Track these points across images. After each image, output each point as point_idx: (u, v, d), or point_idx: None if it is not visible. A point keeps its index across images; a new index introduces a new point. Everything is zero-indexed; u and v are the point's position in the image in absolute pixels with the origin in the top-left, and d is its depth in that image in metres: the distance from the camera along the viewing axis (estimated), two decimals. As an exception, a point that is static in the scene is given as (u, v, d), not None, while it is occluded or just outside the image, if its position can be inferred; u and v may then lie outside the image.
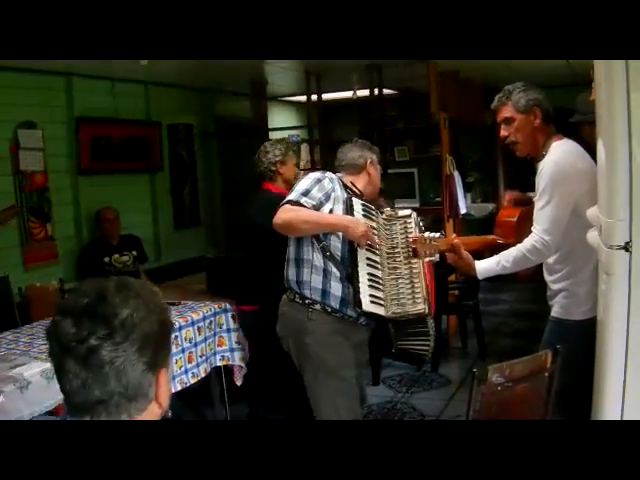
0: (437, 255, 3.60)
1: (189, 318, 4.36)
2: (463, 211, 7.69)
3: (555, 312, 3.38)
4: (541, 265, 3.45)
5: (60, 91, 6.49)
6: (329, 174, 3.74)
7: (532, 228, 3.26)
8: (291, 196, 3.57)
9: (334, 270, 3.58)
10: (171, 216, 8.14)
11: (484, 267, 3.40)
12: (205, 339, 4.49)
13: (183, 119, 8.29)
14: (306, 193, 3.55)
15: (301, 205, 3.52)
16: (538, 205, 3.25)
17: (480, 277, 3.43)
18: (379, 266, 3.63)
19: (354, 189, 3.81)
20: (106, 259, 6.18)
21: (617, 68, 2.25)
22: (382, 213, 3.81)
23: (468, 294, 6.78)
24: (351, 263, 3.55)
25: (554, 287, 3.38)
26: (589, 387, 2.80)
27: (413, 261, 3.62)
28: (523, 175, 8.84)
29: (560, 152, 3.27)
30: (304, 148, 9.76)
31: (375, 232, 3.66)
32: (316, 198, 3.55)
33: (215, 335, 4.61)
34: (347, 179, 3.84)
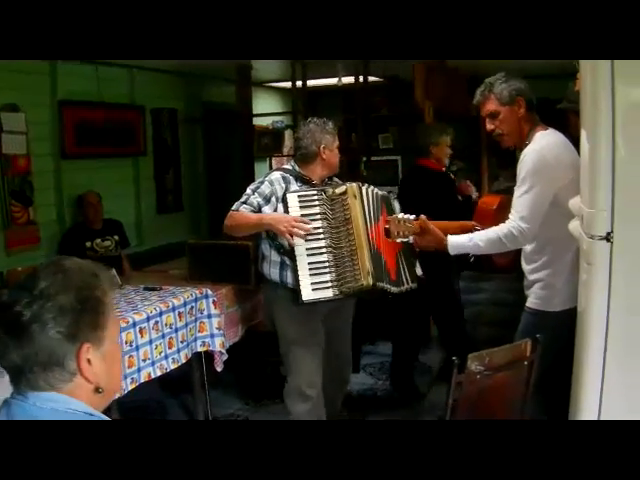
0: (410, 238, 3.59)
1: (170, 303, 4.34)
2: (446, 200, 7.69)
3: (531, 302, 3.37)
4: (520, 255, 3.45)
5: (44, 74, 6.42)
6: (270, 176, 4.04)
7: (510, 215, 3.24)
8: (235, 205, 3.99)
9: (289, 262, 3.93)
10: (154, 201, 8.11)
11: (456, 241, 3.37)
12: (186, 325, 4.47)
13: (167, 104, 8.24)
14: (245, 201, 3.96)
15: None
16: (517, 193, 3.23)
17: (451, 251, 3.39)
18: (324, 250, 3.85)
19: (305, 178, 4.05)
20: (88, 244, 6.15)
21: (602, 61, 2.26)
22: (325, 193, 3.91)
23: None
24: (291, 257, 3.85)
25: (531, 277, 3.37)
26: (565, 378, 2.82)
27: (351, 238, 3.81)
28: (507, 164, 8.87)
29: (544, 142, 3.25)
30: (288, 134, 9.75)
31: (319, 217, 3.86)
32: (254, 204, 3.94)
33: (196, 321, 4.59)
34: (300, 168, 4.09)
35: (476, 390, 2.74)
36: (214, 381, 5.10)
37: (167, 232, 8.05)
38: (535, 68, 6.36)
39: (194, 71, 8.23)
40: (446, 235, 3.40)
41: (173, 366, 4.34)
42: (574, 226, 2.80)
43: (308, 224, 3.79)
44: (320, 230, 3.84)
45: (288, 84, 8.58)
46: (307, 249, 3.81)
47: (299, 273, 3.80)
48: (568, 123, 3.82)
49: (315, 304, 3.86)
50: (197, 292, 4.63)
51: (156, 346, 4.17)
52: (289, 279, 3.94)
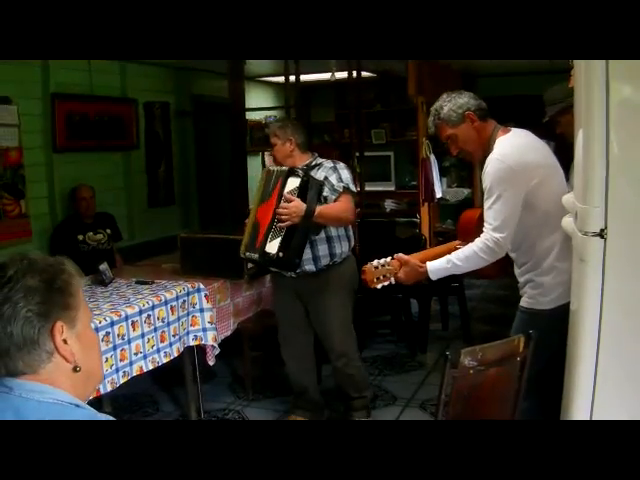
0: (392, 279, 3.41)
1: (162, 297, 4.35)
2: (438, 195, 7.70)
3: (524, 302, 3.39)
4: (509, 261, 3.46)
5: (36, 66, 6.38)
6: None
7: (483, 228, 3.24)
8: None
9: None
10: (145, 194, 8.08)
11: (434, 266, 3.32)
12: (178, 318, 4.48)
13: (159, 97, 8.22)
14: None
15: None
16: (486, 204, 3.21)
17: (432, 277, 3.33)
18: None
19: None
20: (80, 237, 6.13)
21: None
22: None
23: (452, 276, 6.76)
24: None
25: (521, 279, 3.40)
26: (559, 375, 2.83)
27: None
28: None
29: (503, 147, 3.25)
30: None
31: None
32: None
33: (188, 315, 4.60)
34: None
35: (469, 385, 2.75)
36: (206, 375, 5.09)
37: (158, 226, 8.03)
38: (530, 64, 6.37)
39: (186, 64, 8.21)
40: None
41: (165, 360, 4.35)
42: (567, 222, 2.81)
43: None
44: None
45: (281, 79, 8.57)
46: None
47: None
48: (556, 127, 3.81)
49: (283, 277, 4.44)
50: (189, 286, 4.64)
51: (148, 340, 4.18)
52: None
